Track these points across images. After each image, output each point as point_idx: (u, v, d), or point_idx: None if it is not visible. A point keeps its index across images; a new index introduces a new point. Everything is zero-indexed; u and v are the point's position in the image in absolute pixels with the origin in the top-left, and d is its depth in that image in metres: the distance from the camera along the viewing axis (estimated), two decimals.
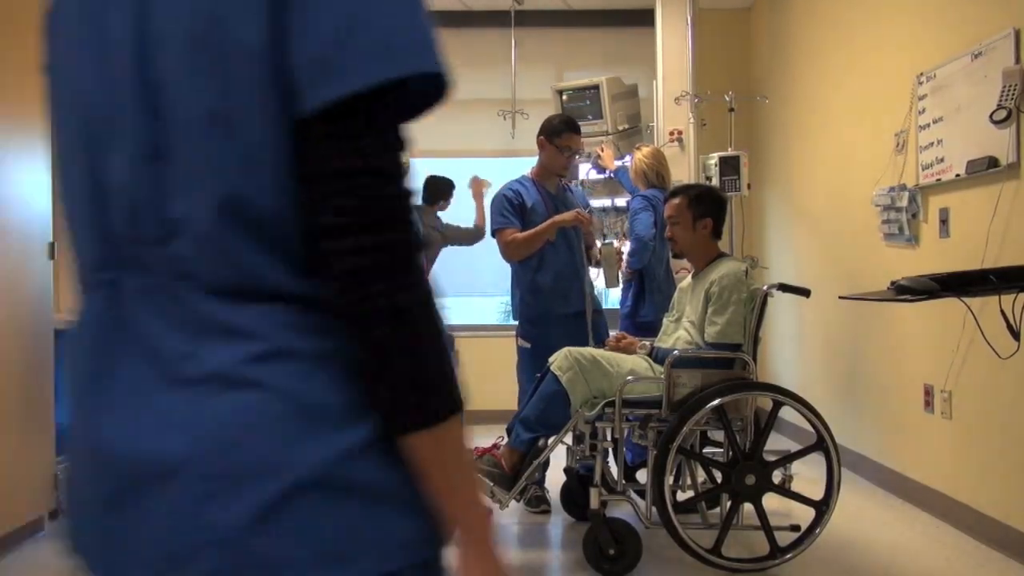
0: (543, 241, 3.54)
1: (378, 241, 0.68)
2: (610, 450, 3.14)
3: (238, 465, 0.67)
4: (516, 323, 3.76)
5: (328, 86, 0.67)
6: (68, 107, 0.78)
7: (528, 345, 3.55)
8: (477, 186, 5.33)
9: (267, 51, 0.68)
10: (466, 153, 6.16)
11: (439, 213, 5.48)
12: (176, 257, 0.70)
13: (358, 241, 0.67)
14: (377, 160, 0.69)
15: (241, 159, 0.69)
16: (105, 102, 0.73)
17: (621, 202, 4.61)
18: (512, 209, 3.57)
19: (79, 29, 0.75)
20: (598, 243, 3.90)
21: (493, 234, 3.64)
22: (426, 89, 0.73)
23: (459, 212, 5.66)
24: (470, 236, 5.54)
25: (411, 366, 0.69)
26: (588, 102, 4.99)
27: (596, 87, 5.03)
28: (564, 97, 5.16)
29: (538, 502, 3.62)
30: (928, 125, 3.54)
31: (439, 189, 5.56)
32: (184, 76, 0.69)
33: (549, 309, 3.60)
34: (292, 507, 0.67)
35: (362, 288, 0.67)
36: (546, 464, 3.57)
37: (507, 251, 3.59)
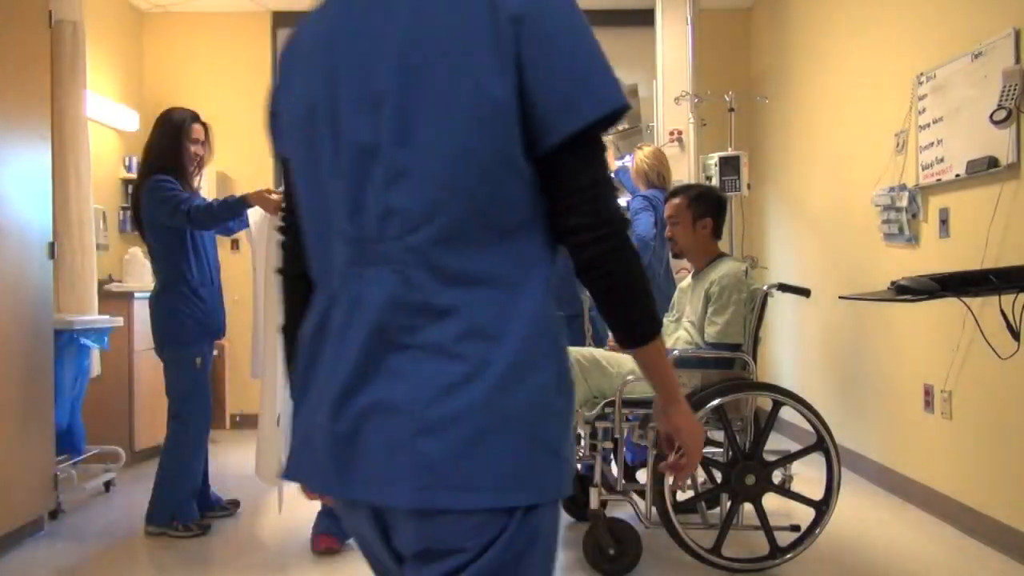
0: None
1: (617, 229, 0.99)
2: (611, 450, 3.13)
3: (445, 409, 0.93)
4: None
5: (569, 123, 0.95)
6: (333, 145, 1.00)
7: None
8: None
9: (512, 101, 0.94)
10: None
11: None
12: (412, 249, 0.96)
13: (599, 232, 0.98)
14: (605, 173, 1.00)
15: (476, 178, 0.95)
16: (369, 139, 0.97)
17: (622, 202, 4.60)
18: None
19: (347, 80, 0.99)
20: None
21: None
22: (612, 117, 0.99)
23: None
24: None
25: (641, 307, 1.02)
26: None
27: None
28: None
29: None
30: (928, 125, 3.54)
31: None
32: (441, 123, 0.94)
33: None
34: (484, 445, 0.93)
35: (606, 262, 0.99)
36: None
37: None
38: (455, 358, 0.94)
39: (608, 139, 4.93)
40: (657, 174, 4.18)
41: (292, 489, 3.71)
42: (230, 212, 3.33)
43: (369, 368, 0.97)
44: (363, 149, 0.97)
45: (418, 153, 0.95)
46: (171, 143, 3.40)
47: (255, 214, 3.62)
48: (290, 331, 1.18)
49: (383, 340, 0.97)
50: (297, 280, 1.17)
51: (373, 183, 0.97)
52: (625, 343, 1.04)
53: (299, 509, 3.66)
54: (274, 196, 3.36)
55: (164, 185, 3.30)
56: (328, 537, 3.20)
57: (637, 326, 1.03)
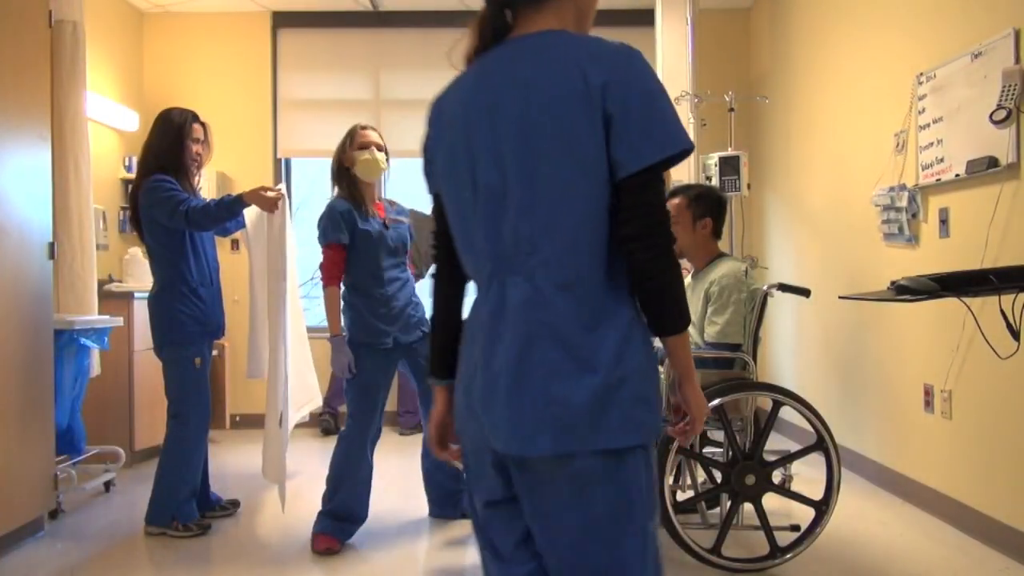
0: None
1: (662, 242, 1.28)
2: None
3: (580, 364, 1.27)
4: None
5: (635, 163, 1.27)
6: (472, 187, 1.35)
7: None
8: None
9: (601, 149, 1.27)
10: None
11: None
12: (537, 264, 1.30)
13: (654, 242, 1.28)
14: (661, 198, 1.30)
15: (579, 209, 1.29)
16: (498, 183, 1.32)
17: None
18: None
19: (480, 138, 1.33)
20: None
21: None
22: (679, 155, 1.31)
23: None
24: None
25: (675, 304, 1.31)
26: None
27: None
28: None
29: None
30: (928, 125, 3.54)
31: None
32: (552, 166, 1.28)
33: None
34: (609, 394, 1.28)
35: (654, 267, 1.28)
36: None
37: None
38: (573, 344, 1.28)
39: None
40: None
41: (293, 489, 3.71)
42: (227, 212, 3.33)
43: (513, 348, 1.30)
44: (494, 191, 1.32)
45: (537, 193, 1.29)
46: (173, 143, 3.40)
47: (251, 213, 3.61)
48: (438, 321, 1.53)
49: (523, 329, 1.30)
50: (445, 283, 1.52)
51: (506, 216, 1.31)
52: (656, 332, 1.34)
53: (299, 509, 3.66)
54: (271, 194, 3.35)
55: (163, 185, 3.30)
56: (328, 537, 3.20)
57: (670, 320, 1.32)
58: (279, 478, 3.36)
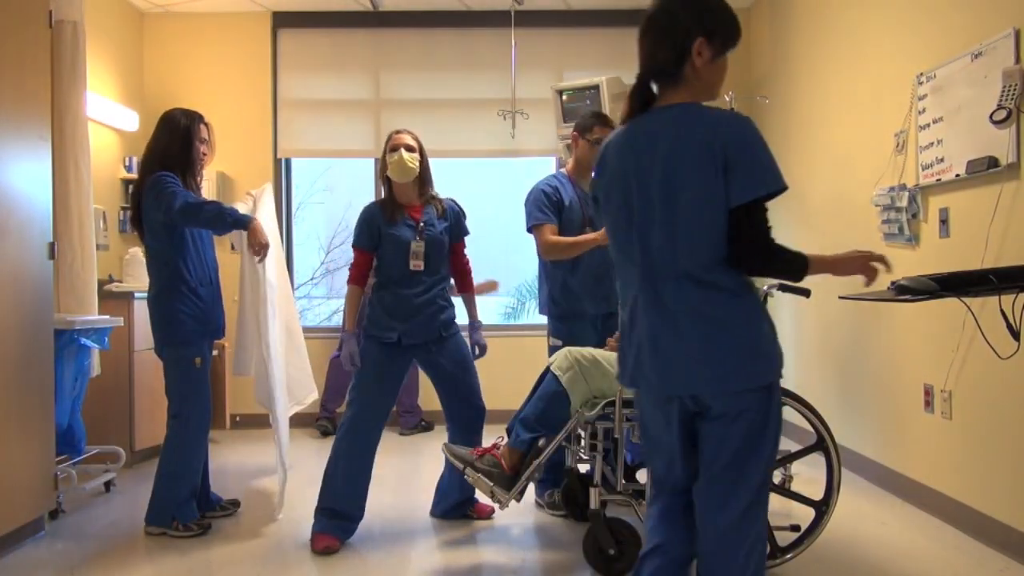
0: (582, 251, 3.52)
1: (756, 256, 1.79)
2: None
3: (710, 324, 1.78)
4: (527, 323, 3.75)
5: (741, 198, 1.76)
6: (629, 218, 1.86)
7: (560, 343, 3.51)
8: (489, 287, 5.02)
9: (722, 187, 1.76)
10: (466, 153, 6.17)
11: None
12: (681, 272, 1.79)
13: (747, 255, 1.79)
14: (760, 224, 1.79)
15: (709, 232, 1.78)
16: (649, 216, 1.83)
17: None
18: (550, 205, 3.54)
19: (635, 182, 1.84)
20: None
21: (530, 229, 3.59)
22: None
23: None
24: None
25: (785, 271, 1.87)
26: (588, 102, 4.98)
27: (596, 87, 5.03)
28: (564, 97, 5.16)
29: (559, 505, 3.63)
30: (928, 125, 3.54)
31: None
32: (691, 200, 1.77)
33: (581, 309, 3.59)
34: (735, 358, 1.78)
35: (770, 268, 1.83)
36: (560, 465, 3.56)
37: (546, 250, 3.56)
38: (709, 328, 1.78)
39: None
40: None
41: (292, 487, 3.71)
42: (218, 220, 3.31)
43: (667, 328, 1.81)
44: (646, 220, 1.83)
45: (680, 222, 1.79)
46: (183, 144, 3.41)
47: (249, 212, 3.65)
48: None
49: (674, 316, 1.80)
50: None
51: (656, 239, 1.82)
52: (794, 282, 1.97)
53: (299, 509, 3.66)
54: (262, 242, 3.35)
55: (166, 179, 3.31)
56: (327, 536, 3.20)
57: (789, 276, 1.89)
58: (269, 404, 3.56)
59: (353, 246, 3.40)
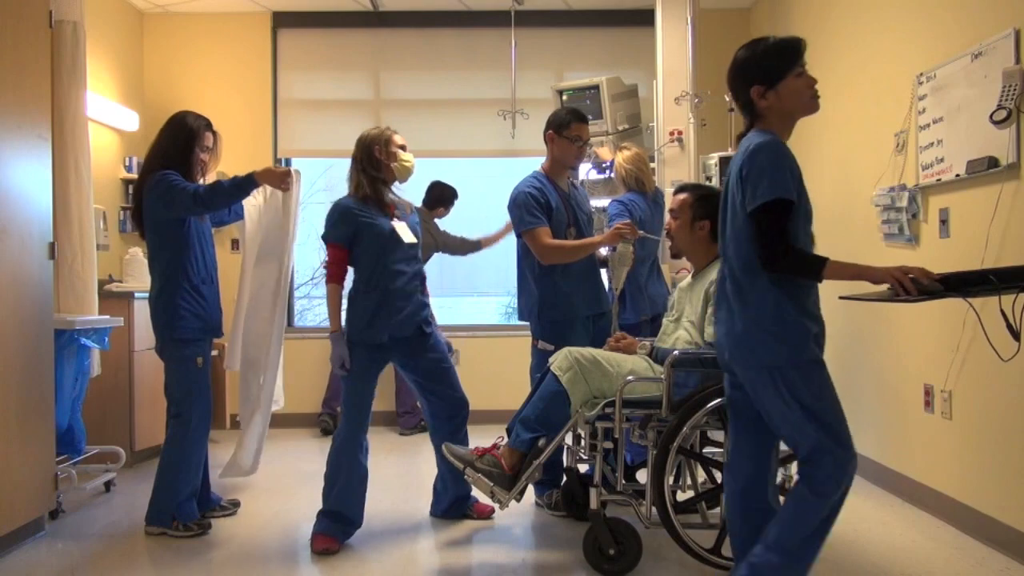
0: (588, 254, 3.51)
1: (769, 255, 2.22)
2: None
3: (744, 302, 2.31)
4: (527, 323, 3.70)
5: (754, 204, 2.22)
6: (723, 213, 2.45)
7: (551, 347, 3.41)
8: (507, 229, 5.08)
9: (743, 199, 2.28)
10: (466, 153, 6.17)
11: (436, 220, 5.49)
12: (729, 258, 2.37)
13: (763, 254, 2.23)
14: (774, 228, 2.21)
15: (741, 235, 2.30)
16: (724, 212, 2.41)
17: (603, 204, 4.56)
18: (540, 208, 3.48)
19: (727, 187, 2.39)
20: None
21: (521, 234, 3.52)
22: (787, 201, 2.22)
23: (460, 217, 5.68)
24: (463, 247, 5.50)
25: (802, 271, 2.23)
26: (588, 102, 4.99)
27: (596, 87, 5.03)
28: (564, 97, 5.16)
29: (560, 505, 3.63)
30: (928, 125, 3.54)
31: (443, 196, 5.54)
32: (739, 209, 2.30)
33: (574, 311, 3.55)
34: (753, 341, 2.30)
35: (780, 268, 2.22)
36: (556, 465, 3.56)
37: (546, 254, 3.47)
38: (742, 314, 2.29)
39: (608, 139, 4.94)
40: (635, 179, 4.18)
41: (292, 487, 3.70)
42: (237, 190, 3.32)
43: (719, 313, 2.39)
44: (724, 217, 2.40)
45: (730, 229, 2.35)
46: (183, 148, 3.40)
47: (251, 208, 3.63)
48: None
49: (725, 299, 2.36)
50: None
51: (725, 230, 2.40)
52: (813, 281, 2.29)
53: (299, 509, 3.66)
54: (279, 169, 3.40)
55: (168, 176, 3.31)
56: (327, 537, 3.20)
57: (807, 276, 2.24)
58: (251, 468, 3.53)
59: (330, 242, 3.28)
